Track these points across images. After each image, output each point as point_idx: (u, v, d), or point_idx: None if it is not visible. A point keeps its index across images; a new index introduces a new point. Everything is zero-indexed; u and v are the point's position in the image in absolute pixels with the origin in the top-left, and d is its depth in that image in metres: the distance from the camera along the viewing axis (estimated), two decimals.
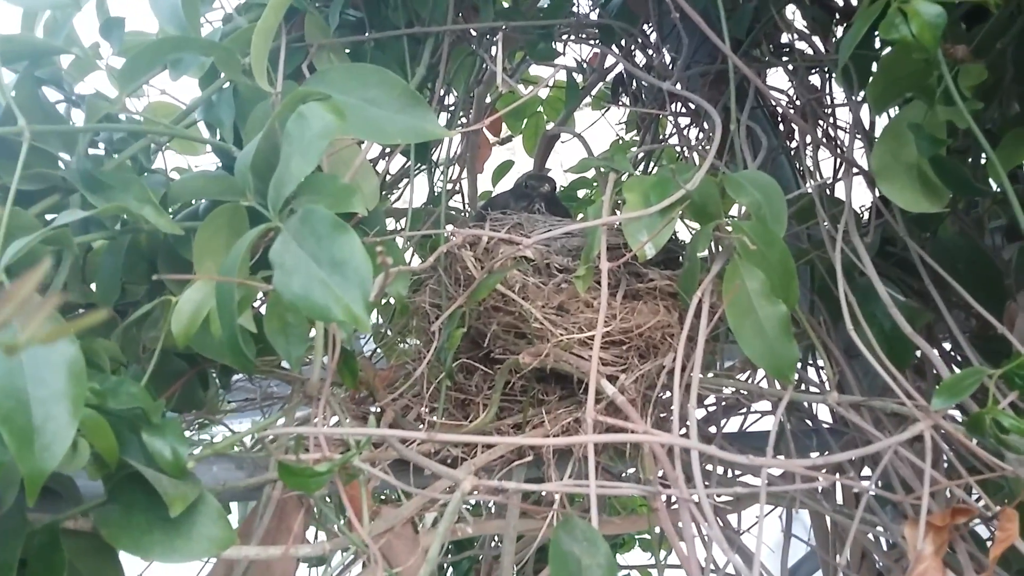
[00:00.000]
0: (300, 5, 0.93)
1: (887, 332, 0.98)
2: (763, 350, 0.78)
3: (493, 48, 1.17)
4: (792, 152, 1.37)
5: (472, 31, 1.12)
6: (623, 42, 1.38)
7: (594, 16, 1.36)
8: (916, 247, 0.95)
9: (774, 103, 1.07)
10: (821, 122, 1.19)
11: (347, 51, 1.03)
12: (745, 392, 1.10)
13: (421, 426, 0.96)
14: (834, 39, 1.30)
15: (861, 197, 1.22)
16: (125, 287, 0.94)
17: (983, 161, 1.01)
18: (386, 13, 1.07)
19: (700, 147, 1.57)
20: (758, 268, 0.80)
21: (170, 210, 0.86)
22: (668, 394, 0.93)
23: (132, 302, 1.02)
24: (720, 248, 0.87)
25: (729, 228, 0.84)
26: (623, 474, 1.18)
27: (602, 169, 0.94)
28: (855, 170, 0.96)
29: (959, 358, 1.19)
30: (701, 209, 0.87)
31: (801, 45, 1.32)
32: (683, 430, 0.77)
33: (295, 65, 0.96)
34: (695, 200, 0.85)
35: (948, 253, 1.04)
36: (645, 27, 1.41)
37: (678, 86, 1.26)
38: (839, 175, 1.17)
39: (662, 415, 0.96)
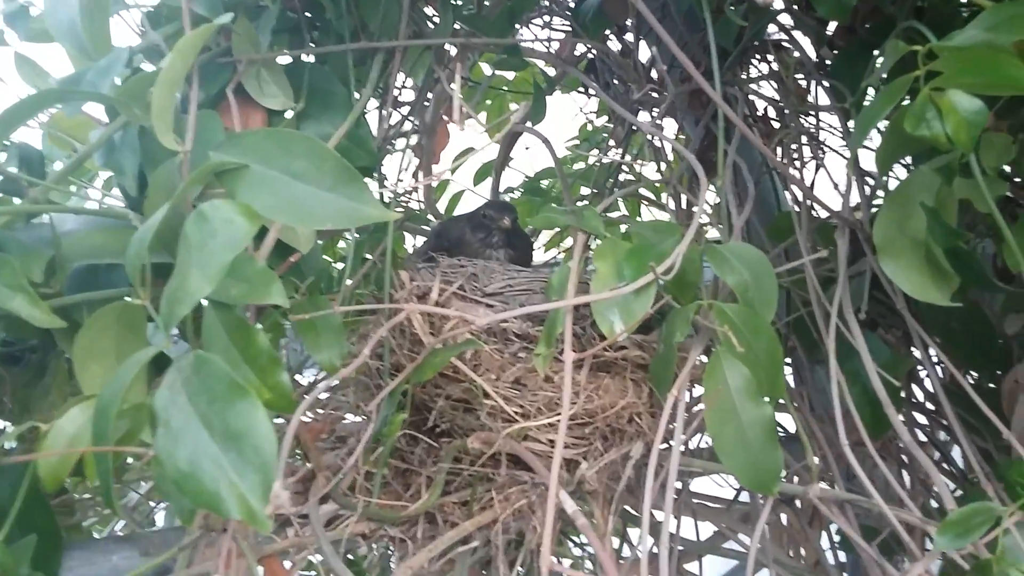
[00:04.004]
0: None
1: (870, 394, 0.89)
2: (745, 462, 0.69)
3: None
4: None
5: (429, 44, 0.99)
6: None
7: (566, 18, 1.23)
8: (911, 318, 0.85)
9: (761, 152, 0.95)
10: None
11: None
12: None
13: (355, 498, 0.85)
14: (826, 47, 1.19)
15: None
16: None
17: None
18: (329, 19, 0.93)
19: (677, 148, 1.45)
20: (742, 361, 0.70)
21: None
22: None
23: (28, 347, 0.90)
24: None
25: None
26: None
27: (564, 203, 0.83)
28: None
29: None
30: (680, 279, 0.76)
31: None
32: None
33: (219, 86, 0.83)
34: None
35: (942, 310, 0.95)
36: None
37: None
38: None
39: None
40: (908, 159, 0.93)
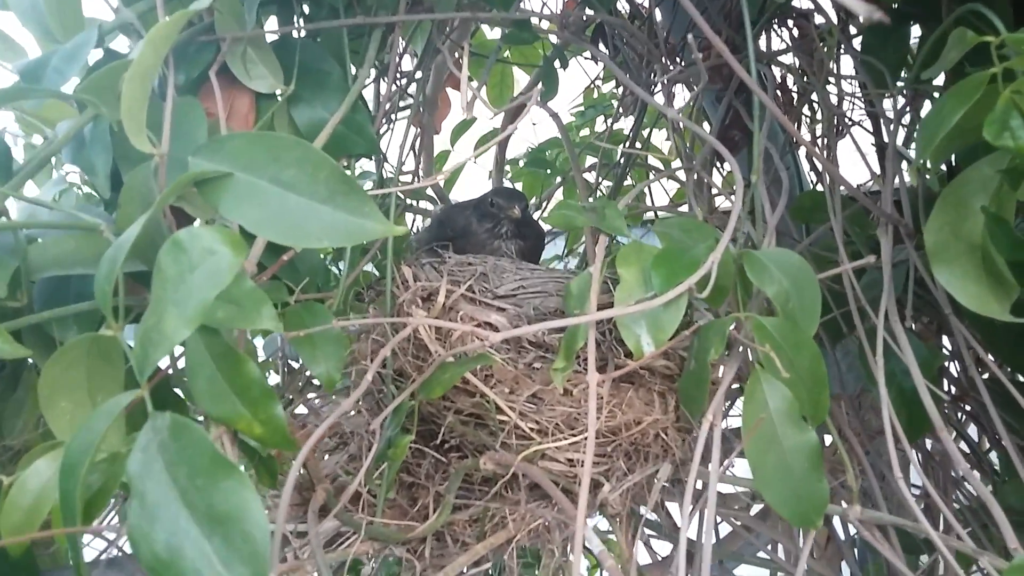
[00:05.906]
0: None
1: (907, 394, 0.83)
2: (787, 494, 0.63)
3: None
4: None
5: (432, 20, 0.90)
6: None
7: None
8: (956, 319, 0.79)
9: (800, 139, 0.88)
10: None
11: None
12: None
13: (357, 514, 0.79)
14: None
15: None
16: None
17: None
18: None
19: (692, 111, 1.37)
20: (783, 382, 0.64)
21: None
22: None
23: None
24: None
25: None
26: None
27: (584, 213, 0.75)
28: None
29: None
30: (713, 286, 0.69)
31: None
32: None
33: (201, 68, 0.75)
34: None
35: None
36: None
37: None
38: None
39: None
40: None
